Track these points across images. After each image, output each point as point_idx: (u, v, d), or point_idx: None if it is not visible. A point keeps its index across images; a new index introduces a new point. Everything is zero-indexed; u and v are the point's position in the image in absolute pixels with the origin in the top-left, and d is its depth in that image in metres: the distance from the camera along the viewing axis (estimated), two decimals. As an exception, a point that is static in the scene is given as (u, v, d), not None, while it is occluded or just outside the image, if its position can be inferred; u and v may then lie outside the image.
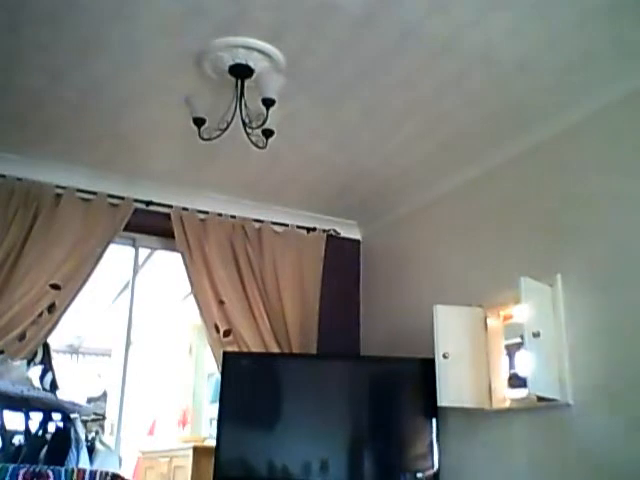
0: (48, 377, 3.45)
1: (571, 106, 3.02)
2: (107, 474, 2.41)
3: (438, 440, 3.45)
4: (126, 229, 3.90)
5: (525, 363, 2.98)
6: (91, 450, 3.22)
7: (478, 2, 2.41)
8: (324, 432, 3.53)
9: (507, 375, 3.30)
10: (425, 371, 3.36)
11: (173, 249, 4.10)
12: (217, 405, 3.60)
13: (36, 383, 3.25)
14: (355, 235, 4.69)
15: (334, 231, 4.55)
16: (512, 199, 3.40)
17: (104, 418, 4.73)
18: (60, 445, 2.94)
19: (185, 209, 4.07)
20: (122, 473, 2.60)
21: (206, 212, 4.13)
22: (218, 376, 3.99)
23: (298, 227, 4.39)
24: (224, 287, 4.01)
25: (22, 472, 2.30)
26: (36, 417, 3.10)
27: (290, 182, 4.04)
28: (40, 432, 3.07)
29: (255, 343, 3.96)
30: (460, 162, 3.65)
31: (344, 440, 3.55)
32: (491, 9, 2.44)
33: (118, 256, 4.19)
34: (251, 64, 2.77)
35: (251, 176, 3.96)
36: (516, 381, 3.25)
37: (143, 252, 4.45)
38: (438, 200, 3.97)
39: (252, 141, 2.90)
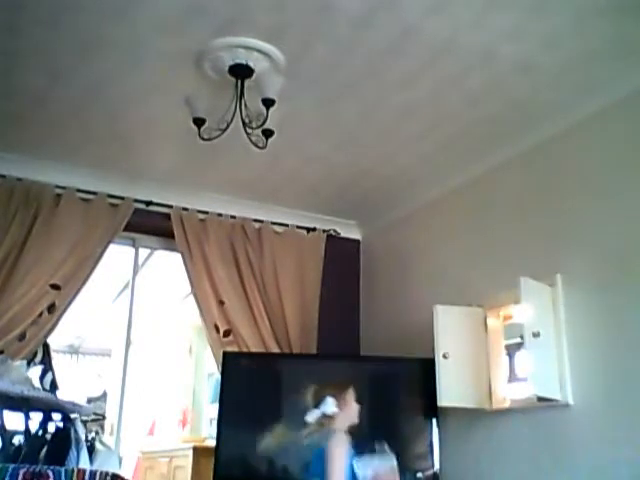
0: (48, 377, 3.44)
1: (571, 106, 3.02)
2: (107, 474, 2.40)
3: (438, 440, 3.45)
4: (126, 229, 3.90)
5: (525, 363, 2.98)
6: (91, 450, 3.21)
7: (478, 2, 2.41)
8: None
9: (507, 375, 3.30)
10: (425, 371, 3.36)
11: (173, 249, 4.10)
12: (217, 405, 3.60)
13: (36, 383, 3.25)
14: (355, 235, 4.69)
15: (334, 231, 4.54)
16: (512, 199, 3.40)
17: (104, 418, 4.74)
18: (60, 445, 2.93)
19: (185, 209, 4.07)
20: (122, 473, 2.59)
21: (206, 212, 4.13)
22: (218, 376, 3.99)
23: (298, 227, 4.39)
24: (224, 287, 4.01)
25: (22, 472, 2.30)
26: (36, 417, 3.09)
27: (290, 182, 4.04)
28: (40, 432, 3.06)
29: (255, 343, 3.96)
30: (460, 162, 3.65)
31: (344, 440, 3.54)
32: (491, 9, 2.44)
33: (118, 256, 4.19)
34: (251, 64, 2.77)
35: (251, 176, 3.95)
36: (516, 381, 3.25)
37: (143, 252, 4.45)
38: (438, 200, 3.97)
39: (252, 141, 2.90)
